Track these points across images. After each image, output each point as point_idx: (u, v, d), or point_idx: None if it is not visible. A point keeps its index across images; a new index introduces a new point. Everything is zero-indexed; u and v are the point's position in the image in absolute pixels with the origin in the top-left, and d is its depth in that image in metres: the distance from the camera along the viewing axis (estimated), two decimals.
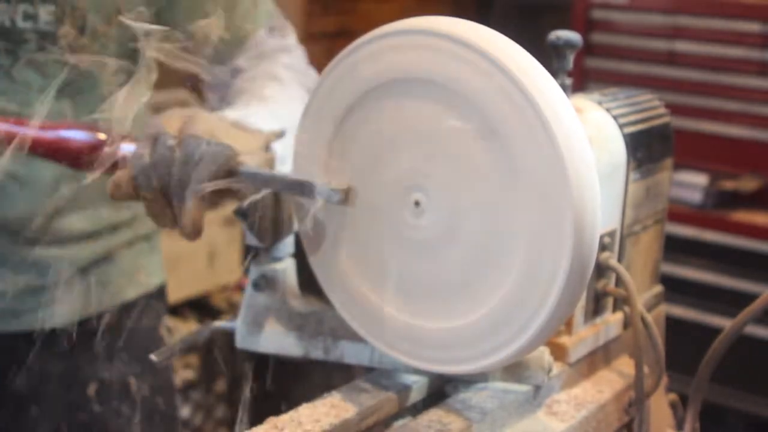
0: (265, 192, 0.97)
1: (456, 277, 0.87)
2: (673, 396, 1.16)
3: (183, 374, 2.63)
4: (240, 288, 2.83)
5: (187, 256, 2.67)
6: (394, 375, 0.96)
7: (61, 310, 1.38)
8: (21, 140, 1.00)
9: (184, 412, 2.63)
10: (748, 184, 2.70)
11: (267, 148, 1.00)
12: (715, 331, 1.02)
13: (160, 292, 1.50)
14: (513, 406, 0.95)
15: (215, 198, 0.92)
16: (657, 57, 2.86)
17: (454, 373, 0.93)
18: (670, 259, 1.98)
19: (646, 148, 1.06)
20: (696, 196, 2.72)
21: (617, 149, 1.02)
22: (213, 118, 0.96)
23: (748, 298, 1.01)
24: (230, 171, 0.91)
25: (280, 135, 1.03)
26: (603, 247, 1.01)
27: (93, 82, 1.27)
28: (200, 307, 2.80)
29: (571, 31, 1.04)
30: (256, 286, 1.02)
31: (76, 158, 0.98)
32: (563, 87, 1.02)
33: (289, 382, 2.68)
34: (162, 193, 0.92)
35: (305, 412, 0.90)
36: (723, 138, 2.77)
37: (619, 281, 1.02)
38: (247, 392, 1.02)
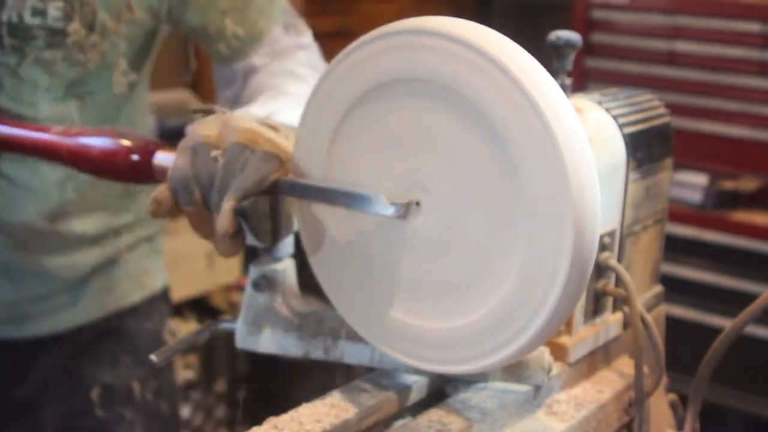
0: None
1: (456, 277, 0.87)
2: (673, 396, 1.16)
3: (183, 374, 2.63)
4: (240, 288, 2.83)
5: (187, 256, 2.67)
6: (394, 375, 0.96)
7: (66, 315, 1.37)
8: (44, 146, 0.97)
9: (184, 412, 2.63)
10: (748, 184, 2.70)
11: None
12: (715, 331, 1.02)
13: (164, 294, 1.50)
14: (513, 406, 0.95)
15: (256, 213, 0.89)
16: (657, 57, 2.86)
17: (454, 373, 0.93)
18: (670, 259, 1.98)
19: (646, 148, 1.06)
20: (696, 196, 2.72)
21: (617, 149, 1.02)
22: (249, 122, 0.90)
23: (748, 298, 1.01)
24: (277, 183, 0.87)
25: None
26: (603, 247, 1.01)
27: (102, 82, 1.26)
28: (200, 307, 2.80)
29: (571, 31, 1.04)
30: (256, 286, 1.02)
31: (96, 166, 0.94)
32: (563, 87, 1.02)
33: (289, 382, 2.68)
34: (204, 205, 0.88)
35: (305, 412, 0.90)
36: (723, 138, 2.77)
37: (619, 281, 1.02)
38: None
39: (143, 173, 0.93)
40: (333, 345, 0.99)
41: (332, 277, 0.95)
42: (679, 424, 1.12)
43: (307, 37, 1.35)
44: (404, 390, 0.95)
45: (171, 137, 0.98)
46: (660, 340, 1.02)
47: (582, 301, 1.01)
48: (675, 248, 2.24)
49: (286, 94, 1.18)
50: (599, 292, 1.03)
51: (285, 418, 0.89)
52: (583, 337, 1.02)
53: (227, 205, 0.86)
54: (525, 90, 0.79)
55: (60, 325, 1.37)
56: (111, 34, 1.22)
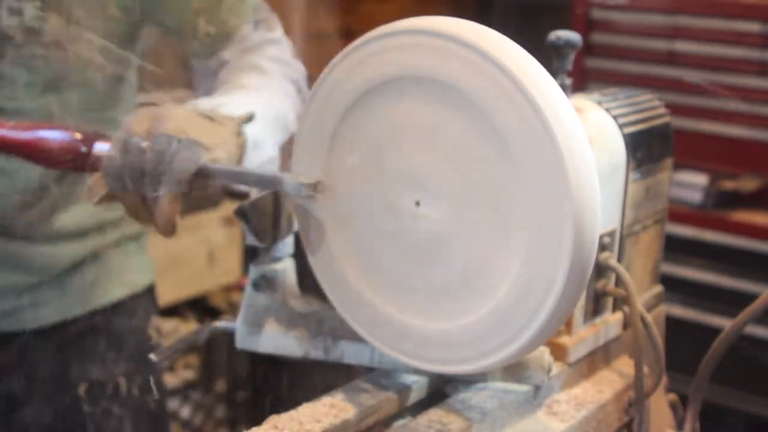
0: (265, 192, 0.97)
1: (456, 277, 0.87)
2: (673, 396, 1.16)
3: (183, 374, 2.63)
4: (240, 288, 2.83)
5: (187, 256, 2.67)
6: (394, 375, 0.96)
7: (49, 310, 1.38)
8: None
9: (184, 412, 2.63)
10: (748, 184, 2.70)
11: (238, 133, 1.00)
12: (715, 331, 1.02)
13: (149, 292, 1.50)
14: (513, 406, 0.95)
15: (187, 195, 0.93)
16: (657, 57, 2.86)
17: (454, 373, 0.93)
18: (670, 259, 1.98)
19: (646, 148, 1.06)
20: (696, 196, 2.71)
21: (617, 149, 1.02)
22: (182, 113, 0.96)
23: (748, 298, 1.01)
24: (201, 169, 0.92)
25: (249, 118, 1.03)
26: (603, 247, 1.01)
27: (80, 78, 1.27)
28: (200, 307, 2.80)
29: (571, 31, 1.04)
30: (256, 286, 1.02)
31: (52, 158, 0.98)
32: (563, 87, 1.02)
33: (289, 382, 2.68)
34: (136, 193, 0.93)
35: (305, 412, 0.90)
36: (723, 138, 2.76)
37: (619, 281, 1.02)
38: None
39: (87, 163, 0.97)
40: (333, 345, 0.99)
41: (332, 277, 0.95)
42: (679, 424, 1.12)
43: (277, 32, 1.38)
44: (404, 390, 0.95)
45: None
46: (660, 340, 1.02)
47: (582, 301, 1.00)
48: (675, 248, 2.24)
49: (241, 87, 1.21)
50: (599, 292, 1.03)
51: (285, 418, 0.89)
52: (583, 337, 1.02)
53: (165, 198, 0.91)
54: (525, 90, 0.79)
55: (45, 320, 1.38)
56: (86, 31, 1.24)
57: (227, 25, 1.33)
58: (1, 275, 1.34)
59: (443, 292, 0.88)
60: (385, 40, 0.87)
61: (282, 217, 0.99)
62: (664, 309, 1.19)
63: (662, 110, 1.13)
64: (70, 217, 1.35)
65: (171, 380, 2.54)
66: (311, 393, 0.94)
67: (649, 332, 1.01)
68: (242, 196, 1.00)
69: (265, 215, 0.97)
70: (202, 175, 0.92)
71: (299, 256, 1.01)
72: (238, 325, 1.02)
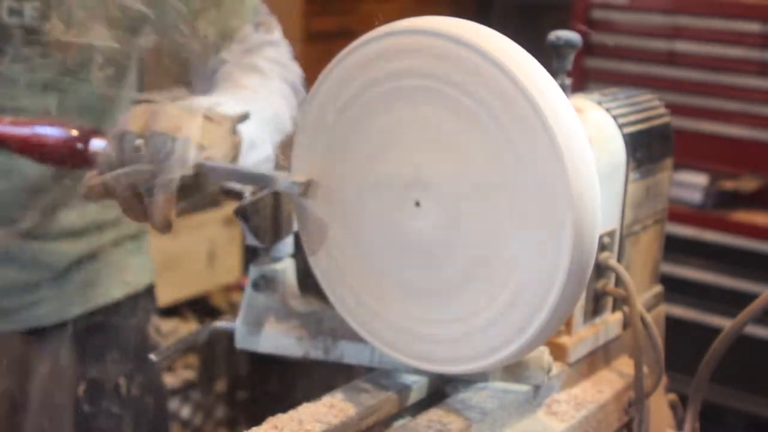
0: (265, 192, 0.97)
1: (456, 278, 0.87)
2: (673, 396, 1.16)
3: (183, 374, 2.63)
4: (240, 288, 2.83)
5: (187, 256, 2.67)
6: (394, 375, 0.96)
7: (49, 309, 1.38)
8: None
9: (184, 412, 2.63)
10: (748, 184, 2.70)
11: (233, 131, 1.01)
12: (715, 331, 1.02)
13: (149, 292, 1.50)
14: (513, 406, 0.95)
15: (182, 193, 0.93)
16: (657, 57, 2.86)
17: (454, 373, 0.93)
18: (670, 259, 1.98)
19: (646, 148, 1.06)
20: (696, 196, 2.71)
21: (617, 149, 1.02)
22: (177, 112, 0.96)
23: (748, 298, 1.01)
24: (195, 167, 0.92)
25: (244, 117, 1.04)
26: (603, 247, 1.01)
27: (81, 78, 1.28)
28: (200, 307, 2.80)
29: (571, 31, 1.04)
30: (256, 286, 1.02)
31: (48, 154, 0.99)
32: (563, 87, 1.02)
33: (289, 382, 2.68)
34: (132, 191, 0.93)
35: (305, 411, 0.90)
36: (723, 138, 2.77)
37: (619, 281, 1.02)
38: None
39: (83, 160, 0.98)
40: (333, 345, 0.99)
41: (332, 277, 0.95)
42: (679, 424, 1.12)
43: (276, 34, 1.38)
44: (404, 390, 0.95)
45: None
46: (660, 340, 1.02)
47: (582, 301, 1.00)
48: (675, 248, 2.24)
49: (238, 87, 1.22)
50: (599, 292, 1.03)
51: (285, 418, 0.89)
52: (582, 337, 1.02)
53: (161, 198, 0.91)
54: (525, 90, 0.79)
55: (45, 320, 1.38)
56: (88, 32, 1.24)
57: (228, 26, 1.33)
58: (1, 272, 1.34)
59: (443, 292, 0.88)
60: (385, 40, 0.87)
61: (282, 217, 0.99)
62: (664, 309, 1.19)
63: (662, 110, 1.13)
64: (69, 216, 1.36)
65: (171, 380, 2.54)
66: (311, 393, 0.94)
67: (649, 332, 1.01)
68: (237, 195, 1.00)
69: (265, 215, 0.97)
70: (196, 173, 0.92)
71: (299, 256, 1.01)
72: (238, 325, 1.02)
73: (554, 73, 0.97)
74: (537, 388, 0.97)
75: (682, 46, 2.82)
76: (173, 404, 2.56)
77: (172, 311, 2.66)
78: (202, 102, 1.09)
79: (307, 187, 0.91)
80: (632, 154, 1.03)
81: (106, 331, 1.43)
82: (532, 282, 0.82)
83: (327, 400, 0.91)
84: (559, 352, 0.99)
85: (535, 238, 0.81)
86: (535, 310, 0.82)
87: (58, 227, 1.35)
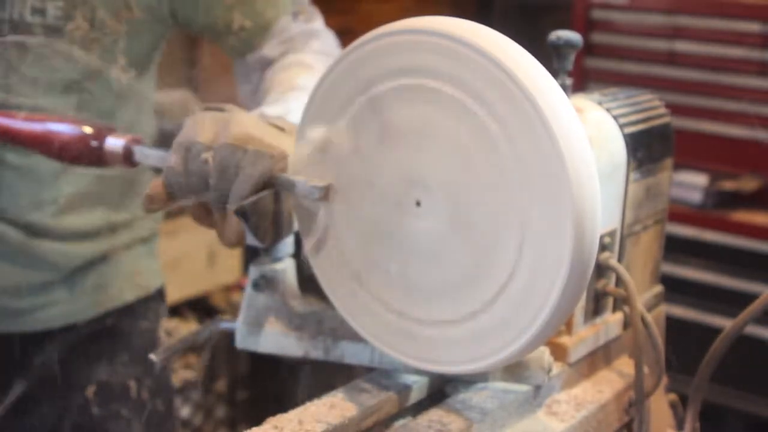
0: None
1: (456, 278, 0.87)
2: (673, 396, 1.16)
3: (183, 374, 2.63)
4: (240, 288, 2.83)
5: (187, 256, 2.67)
6: (394, 375, 0.96)
7: (60, 311, 1.37)
8: (7, 132, 1.00)
9: (184, 412, 2.63)
10: (748, 184, 2.70)
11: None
12: (715, 331, 1.02)
13: (159, 295, 1.50)
14: (513, 406, 0.95)
15: (256, 207, 0.90)
16: (657, 57, 2.86)
17: (454, 373, 0.93)
18: (670, 259, 1.98)
19: (646, 148, 1.06)
20: (696, 196, 2.71)
21: (617, 149, 1.02)
22: (248, 121, 0.92)
23: (748, 298, 1.01)
24: (270, 180, 0.89)
25: None
26: (603, 247, 1.01)
27: (102, 79, 1.27)
28: (200, 307, 2.80)
29: (571, 31, 1.04)
30: (256, 286, 1.02)
31: (62, 151, 0.98)
32: (563, 87, 1.02)
33: (289, 382, 2.67)
34: (200, 203, 0.91)
35: (305, 411, 0.90)
36: (723, 138, 2.77)
37: (619, 281, 1.02)
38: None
39: (98, 158, 0.97)
40: (333, 345, 0.99)
41: (332, 277, 0.95)
42: (679, 424, 1.12)
43: (318, 23, 1.35)
44: (404, 390, 0.95)
45: (170, 137, 0.99)
46: (660, 340, 1.02)
47: (582, 301, 1.00)
48: (675, 248, 2.24)
49: (294, 88, 1.18)
50: (599, 292, 1.03)
51: (285, 418, 0.89)
52: (583, 337, 1.02)
53: (233, 219, 0.90)
54: (525, 90, 0.79)
55: (55, 322, 1.37)
56: (110, 32, 1.23)
57: (264, 17, 1.30)
58: (14, 271, 1.33)
59: (443, 292, 0.88)
60: (384, 39, 0.86)
61: (282, 217, 0.99)
62: (664, 309, 1.19)
63: (662, 110, 1.13)
64: (81, 217, 1.35)
65: None
66: (311, 393, 0.94)
67: (649, 332, 1.01)
68: None
69: (265, 215, 0.97)
70: (270, 185, 0.89)
71: (299, 256, 1.01)
72: (238, 325, 1.02)
73: (555, 73, 0.97)
74: (537, 388, 0.97)
75: (682, 46, 2.82)
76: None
77: (172, 311, 2.66)
78: (271, 110, 1.06)
79: (327, 192, 0.89)
80: (633, 154, 1.03)
81: (117, 333, 1.42)
82: (532, 282, 0.82)
83: (327, 400, 0.91)
84: (559, 352, 0.99)
85: (536, 239, 0.81)
86: (535, 310, 0.82)
87: (70, 228, 1.34)
